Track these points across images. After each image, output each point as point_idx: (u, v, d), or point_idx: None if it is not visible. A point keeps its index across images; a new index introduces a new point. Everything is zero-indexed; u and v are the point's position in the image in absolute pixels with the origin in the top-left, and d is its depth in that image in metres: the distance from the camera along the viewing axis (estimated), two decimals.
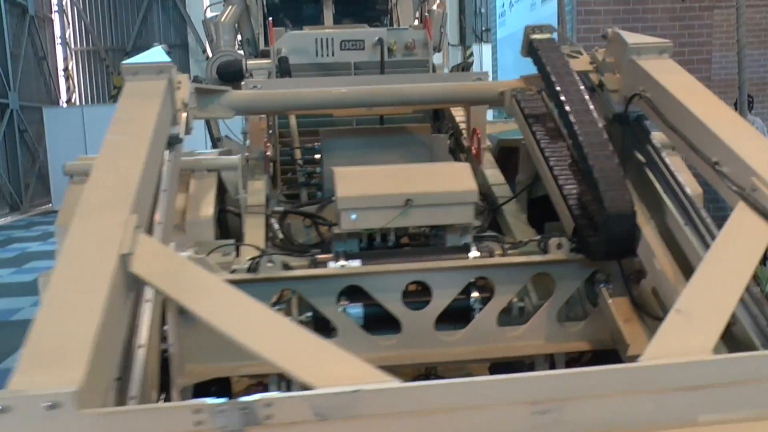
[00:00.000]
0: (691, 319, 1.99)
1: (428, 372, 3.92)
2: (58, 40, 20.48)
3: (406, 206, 3.24)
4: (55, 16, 20.59)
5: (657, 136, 3.30)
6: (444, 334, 3.24)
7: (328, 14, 7.99)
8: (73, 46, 21.13)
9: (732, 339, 2.46)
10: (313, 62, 5.49)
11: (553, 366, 3.35)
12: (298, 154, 5.02)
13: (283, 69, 5.35)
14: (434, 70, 5.95)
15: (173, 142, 3.26)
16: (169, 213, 3.06)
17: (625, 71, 3.41)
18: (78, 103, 20.79)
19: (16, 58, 18.37)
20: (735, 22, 8.07)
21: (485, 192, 4.57)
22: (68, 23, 21.06)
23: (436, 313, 3.19)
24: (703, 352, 1.89)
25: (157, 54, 3.25)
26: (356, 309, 3.23)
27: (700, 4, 8.76)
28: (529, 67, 3.89)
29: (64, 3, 20.73)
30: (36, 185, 18.95)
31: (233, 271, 3.21)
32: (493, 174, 4.59)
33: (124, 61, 3.21)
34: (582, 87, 3.43)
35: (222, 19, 7.89)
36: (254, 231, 3.91)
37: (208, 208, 3.84)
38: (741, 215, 2.45)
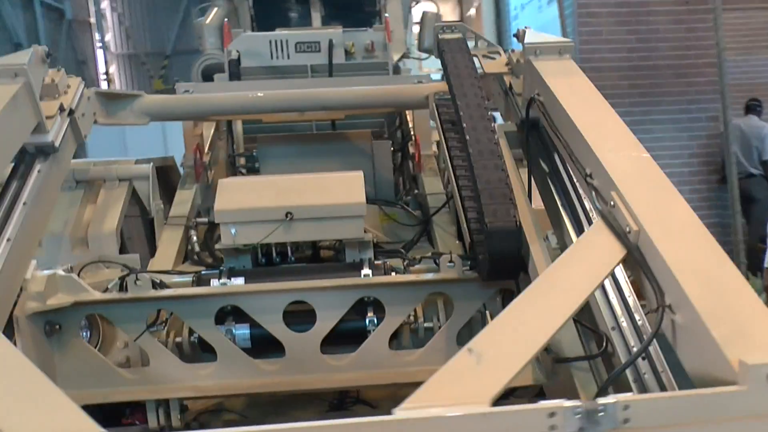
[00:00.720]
0: (481, 360, 1.75)
1: (346, 397, 3.71)
2: (98, 45, 20.77)
3: (286, 220, 3.05)
4: (94, 21, 20.93)
5: None
6: (332, 358, 3.04)
7: (316, 17, 7.84)
8: (113, 50, 21.49)
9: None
10: (267, 65, 5.32)
11: None
12: (241, 161, 4.89)
13: (232, 72, 5.20)
14: (397, 73, 5.71)
15: (47, 151, 3.13)
16: (31, 228, 2.93)
17: (525, 73, 3.16)
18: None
19: (53, 61, 18.72)
20: (746, 24, 7.63)
21: (421, 202, 4.35)
22: (107, 27, 21.41)
23: (321, 336, 3.00)
24: (478, 403, 1.65)
25: (18, 56, 3.10)
26: (243, 330, 3.06)
27: (705, 6, 8.28)
28: None
29: (102, 7, 21.09)
30: None
31: (106, 290, 3.07)
32: (431, 182, 4.37)
33: None
34: (481, 91, 3.18)
35: (207, 21, 7.81)
36: (168, 244, 3.79)
37: (112, 221, 3.72)
38: (594, 234, 2.20)
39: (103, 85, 20.91)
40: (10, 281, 2.72)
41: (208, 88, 4.52)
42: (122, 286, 2.96)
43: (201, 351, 3.08)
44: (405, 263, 3.20)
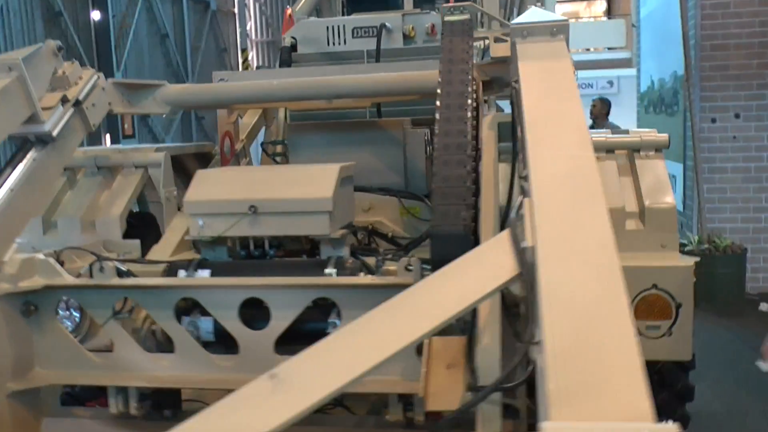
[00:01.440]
0: (284, 387, 1.56)
1: None
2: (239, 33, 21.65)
3: (249, 213, 2.96)
4: (236, 11, 21.81)
5: None
6: (286, 358, 2.92)
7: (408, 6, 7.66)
8: (253, 38, 22.34)
9: None
10: (324, 51, 5.24)
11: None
12: (277, 149, 4.84)
13: (283, 59, 5.17)
14: None
15: (45, 140, 3.24)
16: (13, 214, 3.03)
17: (512, 57, 2.87)
18: None
19: (196, 50, 19.76)
20: None
21: None
22: (249, 16, 22.25)
23: (276, 335, 2.89)
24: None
25: (20, 52, 3.22)
26: (207, 323, 3.02)
27: None
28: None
29: None
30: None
31: (79, 276, 3.12)
32: None
33: None
34: (467, 78, 2.94)
35: (297, 8, 7.85)
36: (175, 231, 3.82)
37: (118, 207, 3.80)
38: (491, 246, 1.93)
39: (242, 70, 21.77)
40: None
41: (242, 76, 4.52)
42: (91, 273, 2.99)
43: (164, 341, 3.06)
44: (376, 263, 3.01)
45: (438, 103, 2.86)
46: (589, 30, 25.13)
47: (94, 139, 15.33)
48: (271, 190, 3.00)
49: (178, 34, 18.96)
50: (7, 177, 3.10)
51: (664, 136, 3.70)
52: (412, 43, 5.27)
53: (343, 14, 7.82)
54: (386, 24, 5.09)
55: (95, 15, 15.36)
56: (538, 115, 2.27)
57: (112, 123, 15.56)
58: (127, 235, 3.84)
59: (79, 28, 15.08)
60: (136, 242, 3.68)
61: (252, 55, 22.39)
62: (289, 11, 5.74)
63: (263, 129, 5.15)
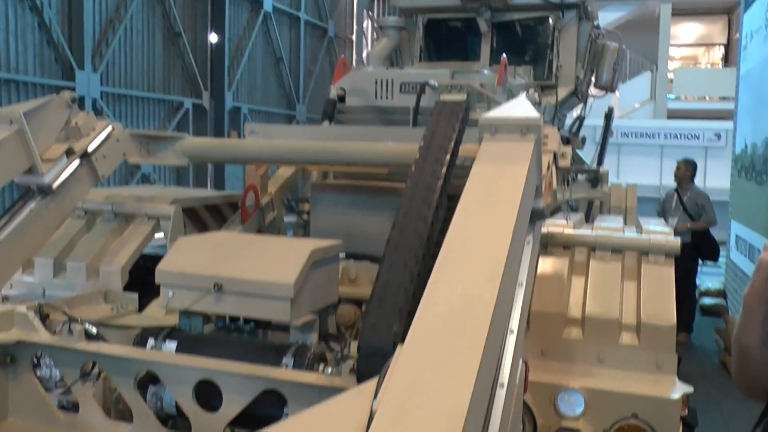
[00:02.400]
0: None
1: None
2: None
3: (214, 291, 2.95)
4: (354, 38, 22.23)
5: None
6: None
7: (486, 50, 7.54)
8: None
9: None
10: (371, 105, 5.21)
11: None
12: (304, 206, 4.83)
13: (326, 112, 5.16)
14: None
15: (45, 191, 3.38)
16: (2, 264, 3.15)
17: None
18: None
19: (309, 75, 20.25)
20: None
21: None
22: (366, 44, 22.61)
23: (228, 419, 2.86)
24: None
25: (24, 105, 3.38)
26: (171, 396, 3.03)
27: None
28: None
29: (364, 26, 22.31)
30: None
31: (54, 333, 3.19)
32: None
33: None
34: (440, 169, 2.82)
35: (375, 52, 7.87)
36: None
37: (122, 257, 3.89)
38: (351, 396, 1.81)
39: None
40: None
41: (273, 131, 4.55)
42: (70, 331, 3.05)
43: (126, 409, 3.08)
44: (339, 356, 2.91)
45: (403, 195, 2.76)
46: (702, 78, 23.98)
47: None
48: (237, 268, 2.97)
49: (293, 58, 19.52)
50: (2, 227, 3.23)
51: (675, 242, 3.42)
52: None
53: (420, 60, 7.80)
54: (430, 82, 4.99)
55: (213, 37, 16.05)
56: (460, 234, 2.12)
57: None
58: (137, 280, 3.93)
59: (197, 49, 15.80)
60: (134, 296, 3.75)
61: None
62: (342, 59, 5.73)
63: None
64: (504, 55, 5.33)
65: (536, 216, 2.74)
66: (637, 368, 3.10)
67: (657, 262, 3.36)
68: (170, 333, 3.10)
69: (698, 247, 8.85)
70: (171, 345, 3.04)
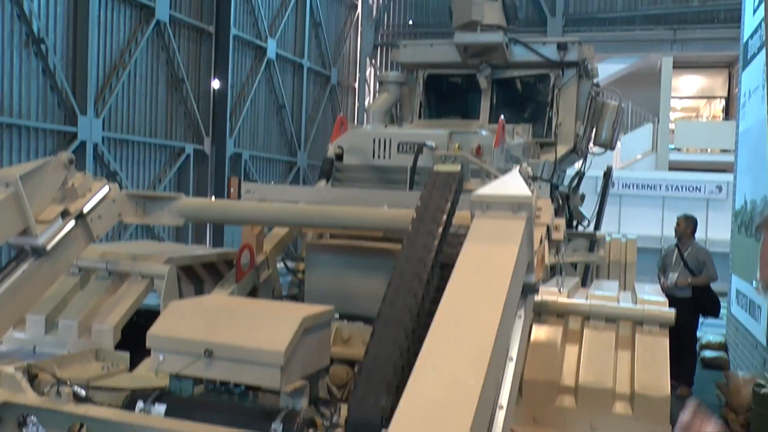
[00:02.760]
0: None
1: None
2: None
3: (206, 356, 2.92)
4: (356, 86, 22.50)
5: None
6: None
7: (485, 107, 7.60)
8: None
9: None
10: (369, 164, 5.22)
11: None
12: (300, 266, 4.82)
13: (324, 170, 5.18)
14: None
15: (38, 252, 3.37)
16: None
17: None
18: None
19: (311, 121, 20.42)
20: None
21: None
22: (369, 91, 22.84)
23: None
24: None
25: (22, 167, 3.38)
26: None
27: None
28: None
29: (367, 74, 22.58)
30: None
31: (42, 393, 3.15)
32: None
33: None
34: (432, 243, 2.81)
35: (373, 107, 7.93)
36: None
37: (115, 316, 3.87)
38: None
39: None
40: None
41: (269, 190, 4.57)
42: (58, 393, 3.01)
43: None
44: (327, 424, 2.86)
45: (395, 267, 2.74)
46: (703, 130, 24.15)
47: (201, 196, 16.08)
48: (228, 334, 2.94)
49: (295, 105, 19.71)
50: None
51: (670, 313, 3.40)
52: None
53: (420, 116, 7.85)
54: (427, 143, 5.02)
55: (215, 83, 16.22)
56: (450, 315, 2.11)
57: (219, 185, 16.23)
58: (130, 335, 3.90)
59: (199, 95, 15.96)
60: (126, 355, 3.71)
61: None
62: (341, 117, 5.77)
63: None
64: (502, 116, 5.36)
65: (528, 290, 2.73)
66: None
67: (651, 332, 3.34)
68: (159, 396, 3.06)
69: (699, 302, 8.79)
70: (160, 408, 2.99)
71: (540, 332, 3.41)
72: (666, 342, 3.31)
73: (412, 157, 5.10)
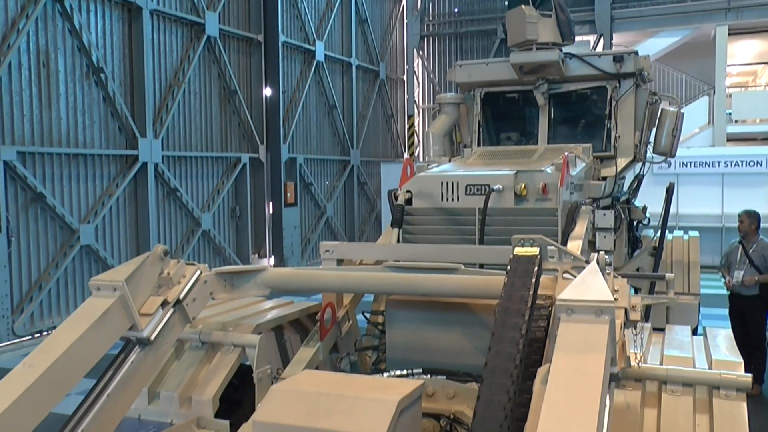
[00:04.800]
0: None
1: None
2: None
3: None
4: (405, 78, 22.54)
5: None
6: None
7: (544, 122, 7.64)
8: (420, 104, 22.91)
9: None
10: (437, 206, 5.36)
11: None
12: (379, 318, 4.99)
13: (395, 219, 5.33)
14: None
15: (144, 342, 3.61)
16: (105, 418, 3.38)
17: (553, 328, 2.86)
18: (420, 157, 22.43)
19: (362, 119, 20.59)
20: None
21: None
22: (417, 83, 22.87)
23: None
24: None
25: (124, 270, 3.60)
26: None
27: None
28: None
29: (415, 65, 22.60)
30: (371, 232, 20.95)
31: None
32: None
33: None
34: (519, 334, 2.96)
35: (433, 130, 8.04)
36: None
37: (212, 388, 4.11)
38: None
39: (407, 136, 22.35)
40: None
41: (349, 249, 4.77)
42: None
43: None
44: None
45: (485, 365, 2.89)
46: (762, 100, 23.43)
47: (258, 204, 16.45)
48: (329, 421, 3.12)
49: (345, 104, 19.89)
50: (108, 382, 3.47)
51: (747, 377, 3.47)
52: (524, 202, 5.27)
53: (479, 142, 7.92)
54: (495, 187, 5.13)
55: (267, 91, 16.48)
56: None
57: (275, 191, 16.55)
58: (224, 395, 4.16)
59: (252, 104, 16.25)
60: (226, 423, 3.94)
61: (418, 120, 22.96)
62: (408, 162, 5.89)
63: None
64: (566, 154, 5.42)
65: (612, 379, 2.85)
66: None
67: (729, 397, 3.42)
68: None
69: (767, 300, 8.73)
70: None
71: (620, 397, 3.53)
72: (744, 406, 3.39)
73: (479, 198, 5.23)
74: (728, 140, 21.57)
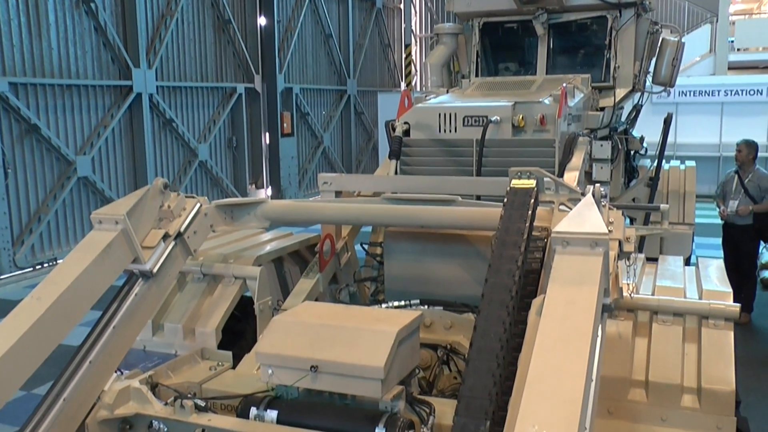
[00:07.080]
0: None
1: None
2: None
3: (311, 371, 3.22)
4: (402, 7, 22.11)
5: None
6: None
7: (542, 53, 7.58)
8: (417, 33, 22.57)
9: None
10: (435, 138, 5.36)
11: None
12: (377, 250, 5.05)
13: (393, 150, 5.33)
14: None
15: (146, 275, 3.67)
16: (114, 349, 3.47)
17: (548, 260, 2.92)
18: (418, 87, 22.23)
19: (359, 48, 20.31)
20: None
21: None
22: (414, 12, 22.47)
23: None
24: None
25: (127, 201, 3.62)
26: None
27: None
28: None
29: None
30: (369, 162, 20.92)
31: (166, 404, 3.49)
32: None
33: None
34: (515, 266, 3.02)
35: (431, 61, 7.97)
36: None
37: (215, 319, 4.19)
38: None
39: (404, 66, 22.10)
40: (85, 395, 3.37)
41: (346, 180, 4.79)
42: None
43: None
44: (421, 420, 3.15)
45: (482, 296, 2.95)
46: (763, 27, 23.08)
47: (255, 134, 16.38)
48: (331, 351, 3.20)
49: (342, 34, 19.58)
50: (113, 314, 3.54)
51: (735, 307, 3.55)
52: (522, 133, 5.27)
53: (477, 72, 7.86)
54: (492, 119, 5.13)
55: (262, 21, 16.21)
56: (541, 371, 2.33)
57: (272, 121, 16.47)
58: (226, 327, 4.26)
59: (246, 34, 16.00)
60: (229, 354, 4.03)
61: (415, 50, 22.66)
62: (406, 93, 5.85)
63: None
64: (564, 85, 5.39)
65: (605, 310, 2.92)
66: (697, 429, 3.30)
67: (717, 326, 3.51)
68: (270, 402, 3.37)
69: (760, 230, 8.82)
70: (272, 414, 3.31)
71: (612, 327, 3.62)
72: (731, 335, 3.48)
73: (476, 129, 5.22)
74: (729, 69, 21.36)
